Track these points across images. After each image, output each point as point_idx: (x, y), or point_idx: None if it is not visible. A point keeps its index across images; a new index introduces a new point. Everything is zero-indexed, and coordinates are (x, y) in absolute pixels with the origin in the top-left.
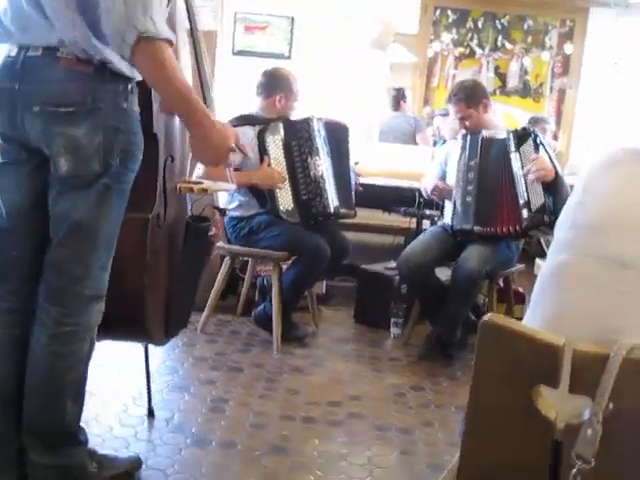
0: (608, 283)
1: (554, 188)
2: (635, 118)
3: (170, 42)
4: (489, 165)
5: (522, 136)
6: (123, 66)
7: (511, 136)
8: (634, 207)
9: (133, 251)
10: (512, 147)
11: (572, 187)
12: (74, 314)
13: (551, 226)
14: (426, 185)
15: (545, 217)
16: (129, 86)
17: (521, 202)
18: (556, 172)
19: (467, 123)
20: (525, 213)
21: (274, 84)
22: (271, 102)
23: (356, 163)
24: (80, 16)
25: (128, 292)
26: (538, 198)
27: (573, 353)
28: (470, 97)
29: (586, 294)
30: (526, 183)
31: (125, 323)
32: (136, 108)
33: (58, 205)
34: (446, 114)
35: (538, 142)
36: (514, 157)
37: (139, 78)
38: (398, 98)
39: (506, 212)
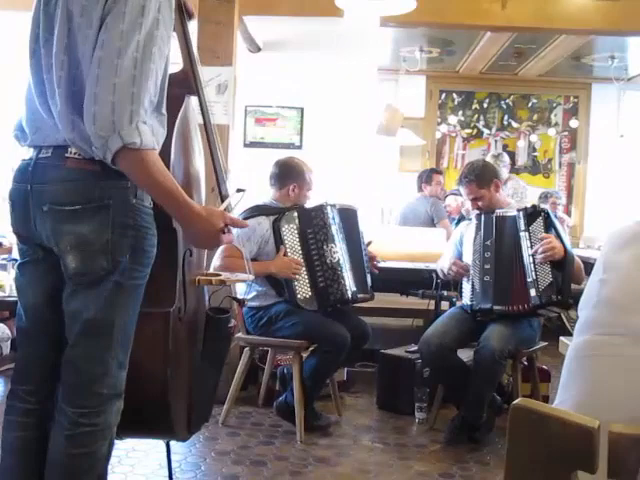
0: (636, 361)
1: (563, 266)
2: None
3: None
4: (503, 244)
5: (532, 214)
6: None
7: (521, 214)
8: None
9: (155, 346)
10: (522, 226)
11: (586, 261)
12: (92, 414)
13: (560, 304)
14: (443, 265)
15: (553, 296)
16: None
17: (529, 281)
18: (565, 250)
19: (480, 204)
20: (533, 292)
21: (287, 174)
22: (285, 192)
23: (369, 243)
24: (78, 117)
25: (151, 388)
26: (546, 278)
27: (609, 435)
28: (481, 178)
29: (617, 373)
30: (534, 262)
31: (148, 420)
32: (148, 203)
33: (70, 304)
34: (458, 193)
35: (548, 221)
36: (524, 236)
37: None
38: (421, 180)
39: (516, 291)
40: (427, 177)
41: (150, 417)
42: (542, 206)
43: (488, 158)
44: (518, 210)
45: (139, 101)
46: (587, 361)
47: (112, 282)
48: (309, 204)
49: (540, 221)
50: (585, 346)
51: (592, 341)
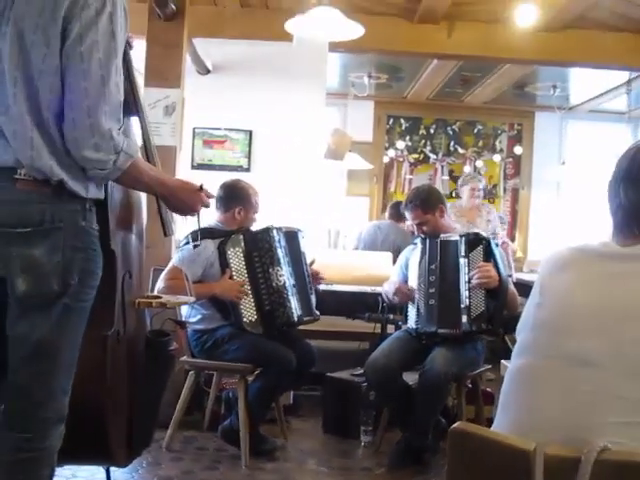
0: (573, 383)
1: (497, 295)
2: (585, 215)
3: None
4: (447, 268)
5: (473, 241)
6: (78, 186)
7: (463, 240)
8: (589, 306)
9: (93, 369)
10: (462, 252)
11: (529, 284)
12: (36, 439)
13: (489, 333)
14: (388, 289)
15: (483, 325)
16: (87, 204)
17: (462, 307)
18: (501, 280)
19: (425, 228)
20: (465, 318)
21: (233, 197)
22: (230, 215)
23: (312, 262)
24: (39, 135)
25: (89, 413)
26: (479, 305)
27: (545, 457)
28: (426, 203)
29: (552, 396)
30: (469, 289)
31: (87, 445)
32: (95, 226)
33: (17, 327)
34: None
35: (489, 249)
36: (463, 262)
37: (96, 197)
38: (393, 210)
39: (450, 315)
40: (398, 213)
41: (87, 441)
42: (484, 234)
43: (462, 178)
44: (460, 236)
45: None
46: (524, 384)
47: (62, 305)
48: (254, 227)
49: (480, 249)
50: (522, 369)
51: (528, 364)
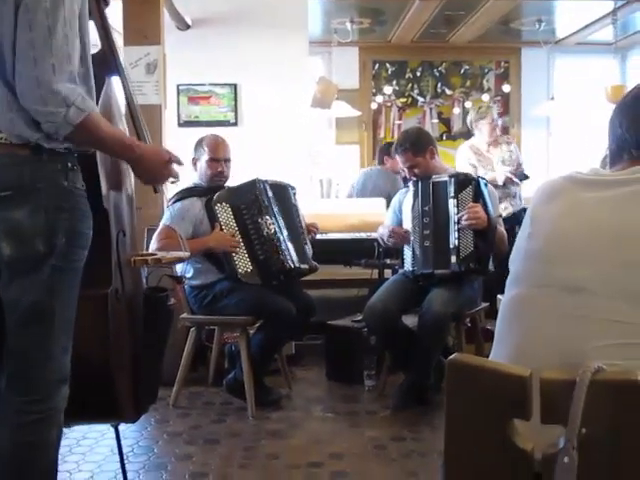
0: (566, 310)
1: (485, 237)
2: (576, 149)
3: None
4: (440, 209)
5: (463, 182)
6: (55, 143)
7: (452, 181)
8: (579, 232)
9: (95, 328)
10: (451, 192)
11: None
12: (39, 401)
13: (478, 272)
14: (382, 233)
15: (471, 264)
16: (68, 164)
17: (451, 247)
18: (489, 221)
19: (416, 171)
20: (454, 259)
21: (194, 150)
22: (196, 169)
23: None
24: (14, 98)
25: (94, 371)
26: (468, 246)
27: (540, 382)
28: (416, 145)
29: (546, 323)
30: (458, 230)
31: (94, 403)
32: (80, 185)
33: (9, 292)
34: None
35: (478, 190)
36: (452, 202)
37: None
38: (383, 153)
39: (441, 255)
40: (389, 151)
41: (95, 399)
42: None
43: (475, 113)
44: (450, 176)
45: (74, 80)
46: (518, 314)
47: (50, 266)
48: (239, 180)
49: (470, 190)
50: (516, 299)
51: (522, 294)
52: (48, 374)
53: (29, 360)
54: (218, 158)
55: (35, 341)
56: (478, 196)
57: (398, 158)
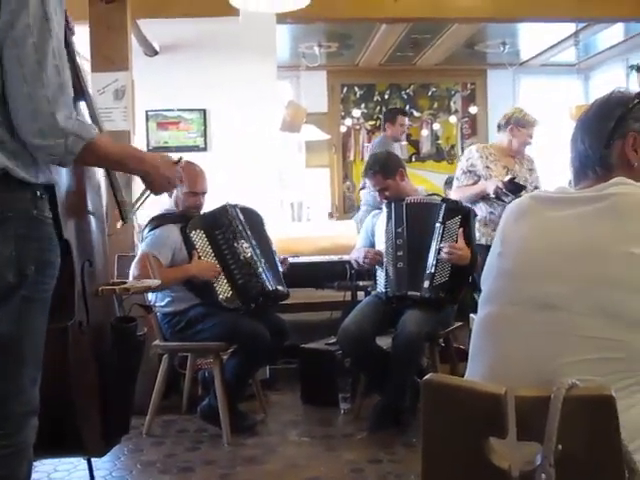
0: (538, 327)
1: (463, 271)
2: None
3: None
4: (416, 230)
5: (453, 210)
6: (27, 173)
7: (443, 206)
8: (547, 250)
9: (56, 362)
10: (440, 217)
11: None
12: (9, 435)
13: (448, 302)
14: (358, 256)
15: (441, 294)
16: (37, 192)
17: (427, 272)
18: (472, 257)
19: (387, 193)
20: (426, 284)
21: None
22: (171, 196)
23: (283, 260)
24: None
25: (57, 405)
26: (444, 275)
27: (515, 400)
28: (386, 168)
29: (519, 340)
30: (437, 257)
31: (60, 438)
32: (47, 213)
33: None
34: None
35: (466, 221)
36: (438, 228)
37: (49, 182)
38: (384, 119)
39: (415, 277)
40: (392, 117)
41: (60, 434)
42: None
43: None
44: (443, 200)
45: (71, 108)
46: (490, 332)
47: (20, 297)
48: (212, 207)
49: (457, 219)
50: (488, 318)
51: (494, 312)
52: (18, 407)
53: None
54: (196, 191)
55: (4, 372)
56: (465, 226)
57: (368, 181)
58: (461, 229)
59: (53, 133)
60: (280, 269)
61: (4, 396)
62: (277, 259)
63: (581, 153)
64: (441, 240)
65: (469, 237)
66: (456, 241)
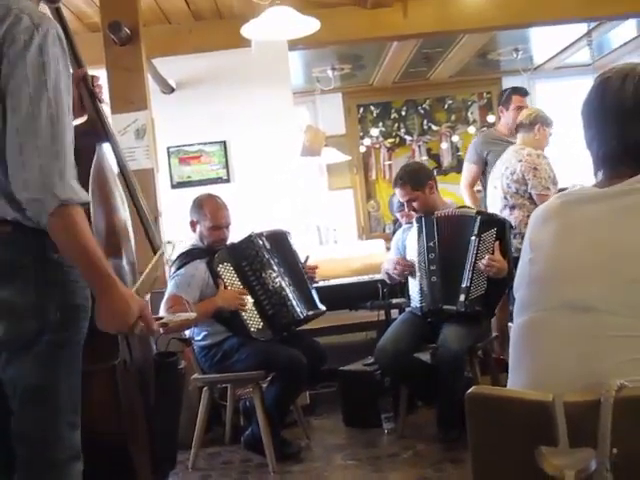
0: (577, 329)
1: (500, 283)
2: (563, 171)
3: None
4: (449, 243)
5: (488, 223)
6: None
7: (478, 219)
8: (577, 251)
9: (105, 403)
10: (475, 230)
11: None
12: None
13: (484, 315)
14: (387, 268)
15: (477, 307)
16: None
17: (462, 286)
18: (509, 271)
19: (415, 205)
20: (462, 297)
21: (191, 212)
22: (194, 231)
23: (306, 259)
24: None
25: (109, 445)
26: (480, 289)
27: (564, 406)
28: (415, 180)
29: (560, 345)
30: (473, 270)
31: (111, 477)
32: None
33: (7, 372)
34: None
35: (503, 233)
36: (473, 241)
37: None
38: (498, 104)
39: (450, 291)
40: (506, 99)
41: (113, 474)
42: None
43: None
44: (477, 213)
45: (65, 157)
46: (530, 340)
47: (46, 343)
48: (238, 238)
49: (493, 232)
50: (526, 325)
51: (531, 319)
52: (59, 454)
53: (37, 442)
54: (220, 225)
55: (39, 423)
56: (501, 238)
57: (397, 191)
58: (497, 242)
59: (35, 186)
60: (312, 289)
61: (44, 445)
62: (307, 279)
63: (612, 147)
64: (477, 253)
65: (505, 249)
66: (492, 254)
